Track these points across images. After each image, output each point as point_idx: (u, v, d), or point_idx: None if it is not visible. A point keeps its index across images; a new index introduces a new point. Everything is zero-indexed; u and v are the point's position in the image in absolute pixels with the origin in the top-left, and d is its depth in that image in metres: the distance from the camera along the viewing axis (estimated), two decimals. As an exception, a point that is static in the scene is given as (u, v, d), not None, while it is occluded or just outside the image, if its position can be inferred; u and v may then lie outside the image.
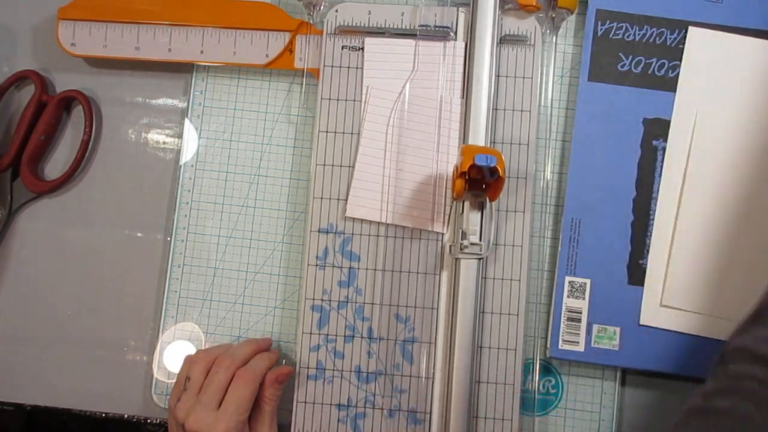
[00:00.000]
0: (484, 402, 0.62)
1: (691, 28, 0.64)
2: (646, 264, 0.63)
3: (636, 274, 0.63)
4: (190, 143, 0.69)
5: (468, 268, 0.62)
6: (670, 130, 0.63)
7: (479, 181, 0.59)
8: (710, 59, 0.64)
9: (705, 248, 0.62)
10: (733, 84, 0.64)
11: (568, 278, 0.63)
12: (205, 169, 0.68)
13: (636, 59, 0.64)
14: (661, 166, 0.63)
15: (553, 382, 0.64)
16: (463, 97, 0.65)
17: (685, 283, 0.62)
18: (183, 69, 0.70)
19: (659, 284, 0.62)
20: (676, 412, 0.50)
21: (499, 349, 0.62)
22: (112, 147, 0.70)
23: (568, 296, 0.63)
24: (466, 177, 0.58)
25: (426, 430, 0.62)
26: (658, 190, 0.63)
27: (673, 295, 0.62)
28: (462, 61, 0.65)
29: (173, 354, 0.66)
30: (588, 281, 0.63)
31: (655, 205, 0.63)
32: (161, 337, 0.66)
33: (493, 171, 0.55)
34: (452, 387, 0.61)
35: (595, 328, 0.62)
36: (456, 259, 0.62)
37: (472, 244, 0.61)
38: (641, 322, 0.62)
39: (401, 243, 0.64)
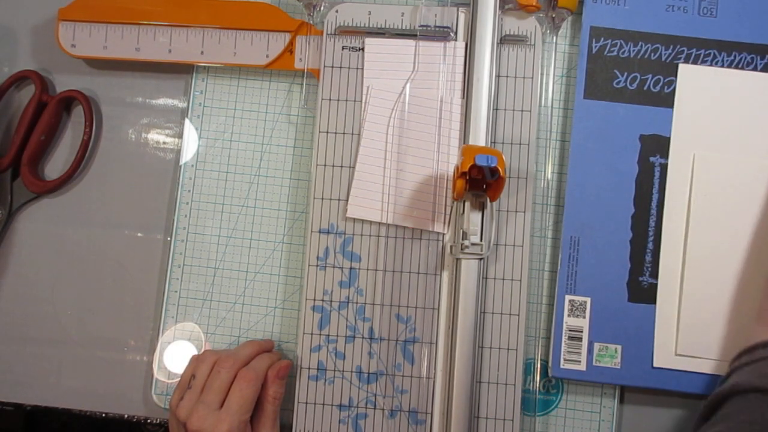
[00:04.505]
0: (485, 402, 0.62)
1: (681, 66, 0.64)
2: (645, 281, 0.62)
3: (636, 291, 0.63)
4: (190, 143, 0.68)
5: (469, 268, 0.62)
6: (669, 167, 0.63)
7: (480, 181, 0.59)
8: (702, 94, 0.64)
9: (717, 290, 0.62)
10: (729, 115, 0.64)
11: (568, 297, 0.63)
12: (205, 169, 0.68)
13: (631, 76, 0.64)
14: (659, 182, 0.63)
15: (554, 381, 0.64)
16: (463, 97, 0.65)
17: (700, 332, 0.62)
18: (183, 69, 0.70)
19: (672, 333, 0.62)
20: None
21: (500, 349, 0.62)
22: (112, 147, 0.70)
23: (568, 315, 0.62)
24: (467, 177, 0.58)
25: (427, 430, 0.62)
26: (656, 206, 0.63)
27: (689, 345, 0.61)
28: (462, 61, 0.65)
29: (173, 354, 0.66)
30: (588, 299, 0.63)
31: (654, 221, 0.63)
32: (161, 337, 0.66)
33: (493, 171, 0.55)
34: (453, 387, 0.61)
35: (597, 346, 0.62)
36: (457, 259, 0.62)
37: (472, 244, 0.61)
38: (655, 365, 0.62)
39: (402, 243, 0.64)
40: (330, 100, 0.65)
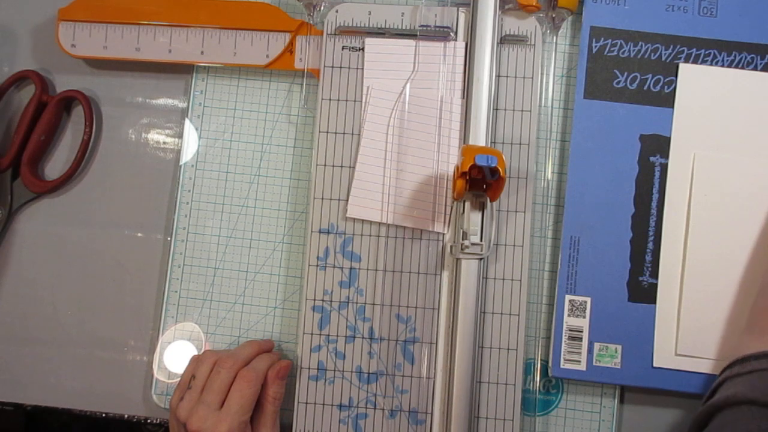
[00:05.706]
0: (485, 402, 0.62)
1: (681, 65, 0.64)
2: (645, 281, 0.62)
3: (636, 291, 0.63)
4: (190, 143, 0.68)
5: (469, 268, 0.62)
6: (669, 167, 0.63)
7: (480, 181, 0.59)
8: (702, 94, 0.64)
9: (717, 290, 0.62)
10: (729, 115, 0.64)
11: (568, 297, 0.63)
12: (205, 169, 0.68)
13: (631, 75, 0.64)
14: (659, 182, 0.63)
15: (554, 381, 0.64)
16: (463, 97, 0.65)
17: (700, 332, 0.61)
18: (183, 69, 0.69)
19: (672, 333, 0.62)
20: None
21: (500, 349, 0.62)
22: (112, 147, 0.70)
23: (568, 315, 0.62)
24: (467, 177, 0.58)
25: (427, 430, 0.62)
26: (656, 206, 0.63)
27: (689, 345, 0.61)
28: (462, 61, 0.65)
29: (173, 354, 0.66)
30: (588, 299, 0.63)
31: (654, 221, 0.63)
32: (161, 337, 0.66)
33: (493, 171, 0.55)
34: (453, 387, 0.61)
35: (597, 346, 0.62)
36: (457, 259, 0.62)
37: (472, 244, 0.61)
38: (655, 365, 0.62)
39: (402, 243, 0.64)
40: (330, 100, 0.65)
